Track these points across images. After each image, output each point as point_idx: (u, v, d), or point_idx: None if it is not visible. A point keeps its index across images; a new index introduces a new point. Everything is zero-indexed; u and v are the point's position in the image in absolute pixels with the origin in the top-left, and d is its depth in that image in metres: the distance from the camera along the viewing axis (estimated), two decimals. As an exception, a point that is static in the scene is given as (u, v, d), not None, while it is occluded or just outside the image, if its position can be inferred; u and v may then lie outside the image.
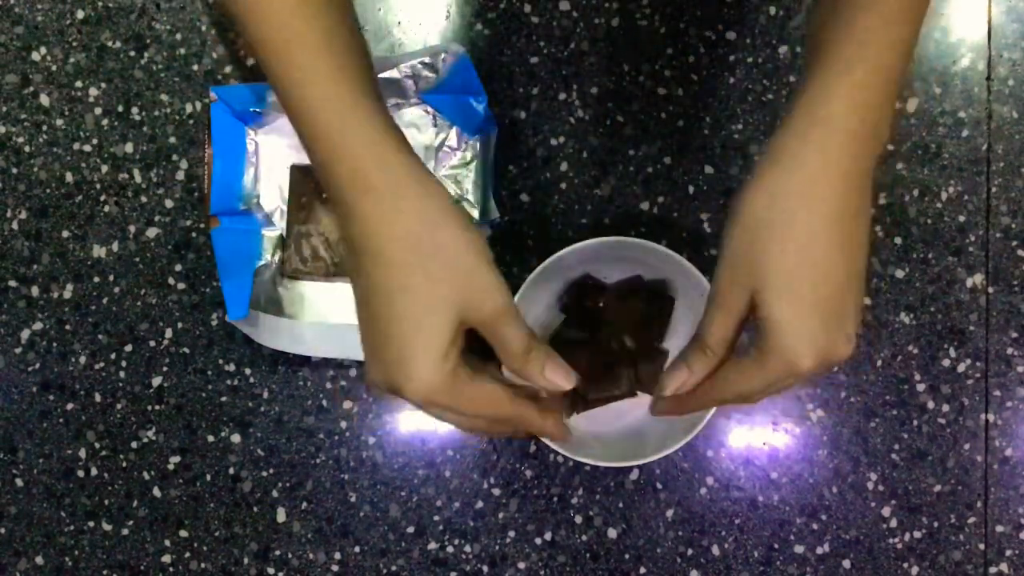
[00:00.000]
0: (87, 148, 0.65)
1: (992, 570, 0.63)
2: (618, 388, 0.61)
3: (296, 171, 0.61)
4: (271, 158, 0.62)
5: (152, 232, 0.65)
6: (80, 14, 0.66)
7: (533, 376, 0.44)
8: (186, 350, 0.65)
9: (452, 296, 0.41)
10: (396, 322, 0.41)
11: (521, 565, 0.64)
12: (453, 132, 0.61)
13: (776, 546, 0.64)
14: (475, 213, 0.61)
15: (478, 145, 0.61)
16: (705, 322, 0.45)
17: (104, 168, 0.65)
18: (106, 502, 0.64)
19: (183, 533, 0.64)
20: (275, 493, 0.64)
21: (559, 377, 0.45)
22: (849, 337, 0.43)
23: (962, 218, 0.64)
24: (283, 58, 0.41)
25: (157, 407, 0.65)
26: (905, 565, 0.63)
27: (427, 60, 0.61)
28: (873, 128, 0.42)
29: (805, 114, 0.42)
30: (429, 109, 0.61)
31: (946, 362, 0.64)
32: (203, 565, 0.64)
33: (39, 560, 0.64)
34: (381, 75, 0.60)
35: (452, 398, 0.42)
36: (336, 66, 0.41)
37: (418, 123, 0.61)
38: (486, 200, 0.62)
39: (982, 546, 0.63)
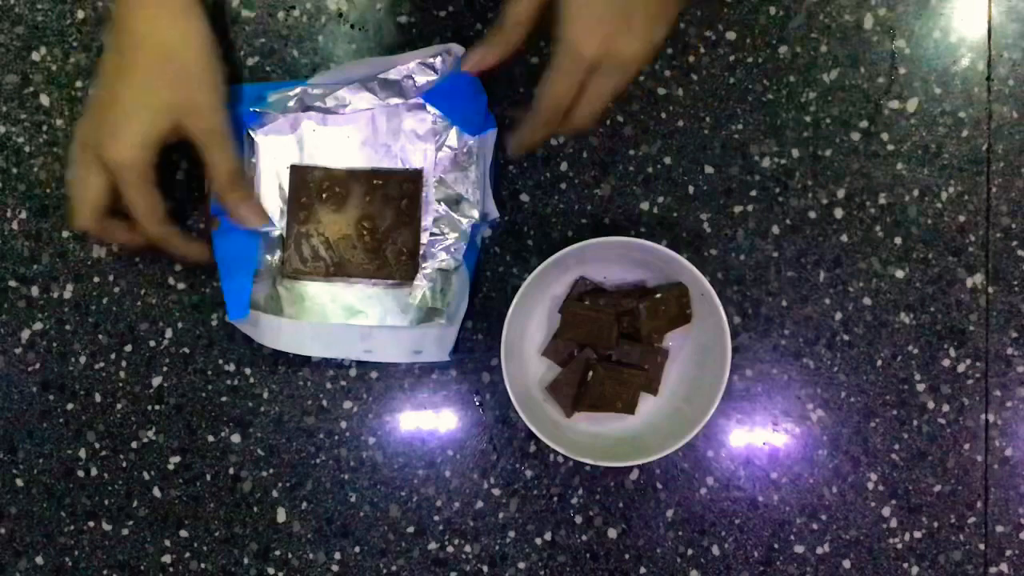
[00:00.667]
0: (87, 148, 0.65)
1: (992, 570, 0.63)
2: (614, 407, 0.61)
3: (296, 171, 0.61)
4: (271, 158, 0.62)
5: (152, 232, 0.65)
6: (80, 14, 0.66)
7: (231, 205, 0.54)
8: (186, 350, 0.65)
9: (173, 100, 0.52)
10: (123, 97, 0.51)
11: (521, 565, 0.64)
12: (453, 132, 0.61)
13: (776, 546, 0.64)
14: (475, 213, 0.61)
15: (478, 145, 0.61)
16: (509, 3, 0.52)
17: (104, 168, 0.65)
18: (106, 502, 0.64)
19: (183, 533, 0.64)
20: (275, 493, 0.64)
21: (253, 216, 0.55)
22: (633, 31, 0.49)
23: (962, 218, 0.64)
24: None
25: (157, 407, 0.65)
26: (905, 565, 0.63)
27: (427, 60, 0.61)
28: None
29: None
30: (430, 109, 0.61)
31: (946, 362, 0.64)
32: (203, 565, 0.64)
33: (39, 560, 0.64)
34: (381, 75, 0.60)
35: (138, 178, 0.52)
36: None
37: (418, 123, 0.61)
38: (486, 200, 0.62)
39: (982, 546, 0.63)
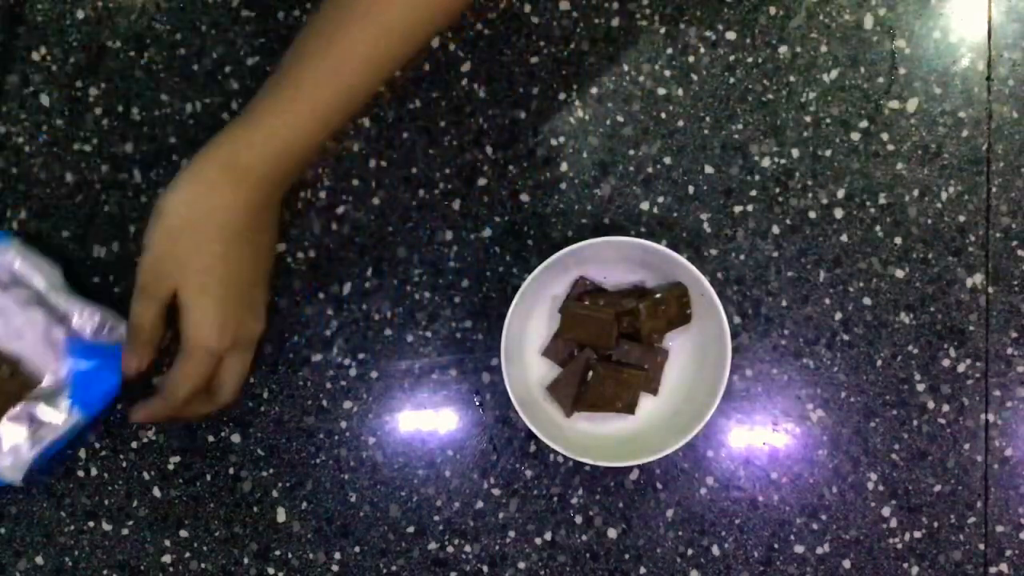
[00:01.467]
0: (87, 148, 0.65)
1: (992, 570, 0.63)
2: (614, 407, 0.61)
3: None
4: None
5: (152, 232, 0.65)
6: (80, 14, 0.66)
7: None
8: (186, 350, 0.65)
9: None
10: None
11: (521, 565, 0.64)
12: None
13: (776, 546, 0.64)
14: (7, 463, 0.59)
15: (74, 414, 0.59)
16: (135, 310, 0.56)
17: (104, 168, 0.65)
18: (106, 502, 0.64)
19: (183, 533, 0.64)
20: (275, 493, 0.64)
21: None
22: (259, 317, 0.59)
23: (962, 218, 0.64)
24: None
25: (157, 407, 0.65)
26: (905, 565, 0.63)
27: (93, 317, 0.61)
28: (284, 174, 0.55)
29: (232, 152, 0.54)
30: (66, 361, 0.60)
31: (946, 362, 0.64)
32: (203, 565, 0.64)
33: (39, 560, 0.64)
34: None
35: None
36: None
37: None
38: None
39: (982, 546, 0.63)
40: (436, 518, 0.64)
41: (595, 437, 0.62)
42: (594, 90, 0.65)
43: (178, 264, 0.54)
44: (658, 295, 0.59)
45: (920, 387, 0.64)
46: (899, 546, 0.64)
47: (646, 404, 0.63)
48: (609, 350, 0.61)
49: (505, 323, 0.58)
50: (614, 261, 0.62)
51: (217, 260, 0.54)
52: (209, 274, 0.54)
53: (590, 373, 0.60)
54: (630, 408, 0.61)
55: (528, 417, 0.57)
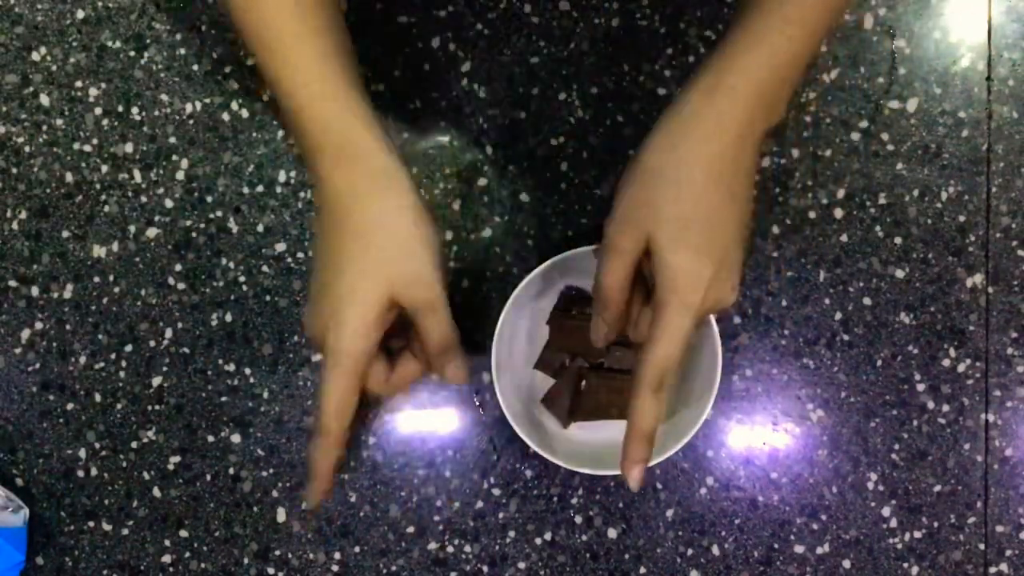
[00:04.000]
0: (87, 148, 0.65)
1: (992, 570, 0.63)
2: (610, 414, 0.61)
3: None
4: None
5: (152, 232, 0.65)
6: (80, 14, 0.66)
7: (438, 368, 0.49)
8: (186, 350, 0.65)
9: (390, 276, 0.46)
10: (337, 281, 0.47)
11: (521, 565, 0.64)
12: None
13: (776, 546, 0.64)
14: None
15: None
16: (601, 269, 0.48)
17: (104, 168, 0.65)
18: (106, 502, 0.64)
19: (183, 533, 0.64)
20: (275, 493, 0.64)
21: (458, 378, 0.49)
22: (735, 286, 0.47)
23: (962, 218, 0.64)
24: (278, 57, 0.46)
25: (157, 407, 0.65)
26: (905, 565, 0.63)
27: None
28: (770, 105, 0.46)
29: (715, 77, 0.46)
30: None
31: (946, 362, 0.64)
32: (203, 565, 0.64)
33: (39, 560, 0.64)
34: None
35: (345, 370, 0.46)
36: (327, 67, 0.47)
37: None
38: None
39: (982, 546, 0.63)
40: (436, 518, 0.64)
41: (592, 445, 0.62)
42: (594, 90, 0.65)
43: (652, 210, 0.45)
44: None
45: (920, 387, 0.64)
46: (899, 546, 0.64)
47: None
48: (600, 358, 0.61)
49: (493, 342, 0.58)
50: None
51: (699, 207, 0.45)
52: (689, 223, 0.45)
53: (583, 383, 0.60)
54: (626, 414, 0.61)
55: (524, 431, 0.57)
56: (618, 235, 0.46)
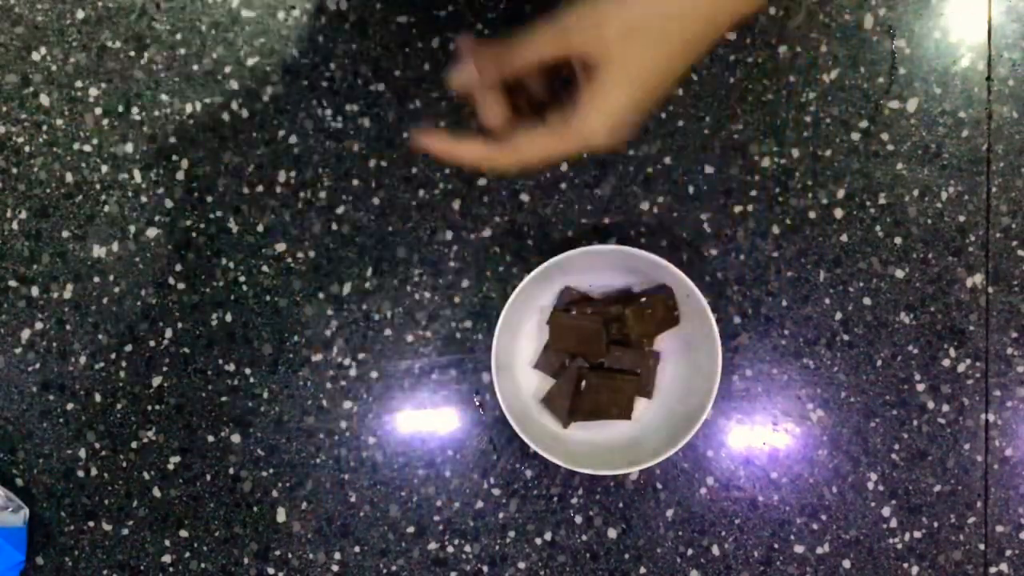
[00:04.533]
0: (87, 148, 0.65)
1: (992, 570, 0.63)
2: (610, 414, 0.61)
3: None
4: None
5: (152, 232, 0.65)
6: (80, 14, 0.66)
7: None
8: (186, 350, 0.65)
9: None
10: None
11: (521, 565, 0.64)
12: None
13: (776, 546, 0.64)
14: None
15: None
16: (521, 44, 0.44)
17: (104, 168, 0.65)
18: (106, 502, 0.64)
19: (183, 533, 0.64)
20: (275, 493, 0.64)
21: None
22: (610, 125, 0.43)
23: (962, 218, 0.64)
24: None
25: (157, 407, 0.65)
26: (905, 565, 0.63)
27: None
28: None
29: None
30: None
31: (946, 362, 0.64)
32: (203, 565, 0.64)
33: (39, 560, 0.64)
34: None
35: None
36: None
37: None
38: None
39: (982, 546, 0.63)
40: (436, 518, 0.64)
41: (593, 445, 0.62)
42: (594, 90, 0.65)
43: (599, 31, 0.42)
44: (643, 299, 0.59)
45: (920, 387, 0.64)
46: (899, 546, 0.64)
47: (641, 407, 0.62)
48: (600, 358, 0.61)
49: (493, 342, 0.58)
50: (599, 268, 0.62)
51: (649, 50, 0.41)
52: (633, 60, 0.42)
53: (583, 383, 0.60)
54: (626, 414, 0.61)
55: (524, 432, 0.57)
56: (554, 35, 0.43)
